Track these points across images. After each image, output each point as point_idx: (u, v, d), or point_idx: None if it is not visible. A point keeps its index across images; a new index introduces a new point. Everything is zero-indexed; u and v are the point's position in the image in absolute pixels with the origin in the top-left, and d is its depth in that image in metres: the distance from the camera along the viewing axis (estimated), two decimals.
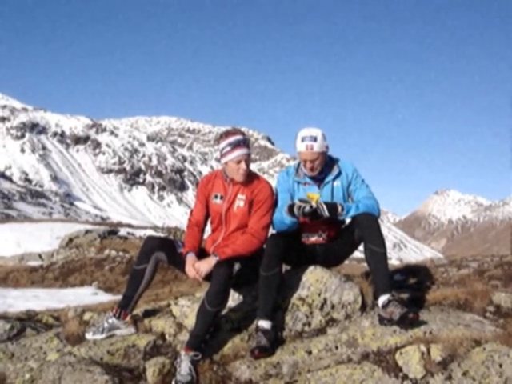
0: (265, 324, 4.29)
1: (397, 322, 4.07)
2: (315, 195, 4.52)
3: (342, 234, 4.67)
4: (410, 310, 4.07)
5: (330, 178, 4.72)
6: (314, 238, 4.69)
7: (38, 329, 5.25)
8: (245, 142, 4.56)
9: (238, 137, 4.55)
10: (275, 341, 4.25)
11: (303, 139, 4.60)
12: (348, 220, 4.74)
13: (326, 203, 4.43)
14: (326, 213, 4.38)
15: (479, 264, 7.14)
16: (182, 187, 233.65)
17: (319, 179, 4.73)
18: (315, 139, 4.57)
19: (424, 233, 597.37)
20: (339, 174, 4.73)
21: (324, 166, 4.71)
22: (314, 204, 4.41)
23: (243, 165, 4.51)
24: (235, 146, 4.50)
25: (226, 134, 4.59)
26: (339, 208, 4.43)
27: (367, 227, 4.40)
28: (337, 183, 4.71)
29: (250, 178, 4.66)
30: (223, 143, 4.55)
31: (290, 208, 4.47)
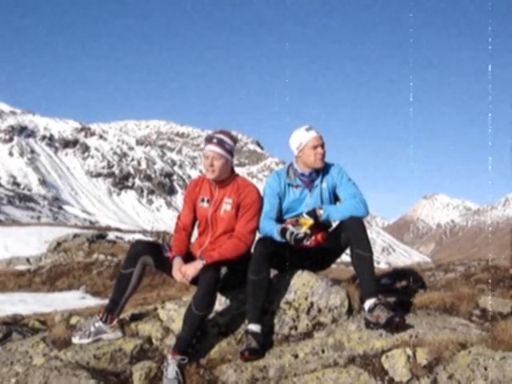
0: (254, 327, 4.29)
1: (383, 326, 4.09)
2: (308, 221, 4.53)
3: (329, 238, 4.67)
4: (397, 314, 4.08)
5: (318, 180, 4.75)
6: (300, 244, 4.69)
7: (24, 333, 5.22)
8: (219, 141, 4.57)
9: (217, 135, 4.59)
10: (264, 344, 4.25)
11: (308, 129, 4.70)
12: (335, 224, 4.76)
13: (307, 212, 4.54)
14: (310, 221, 4.46)
15: (466, 268, 7.17)
16: (171, 191, 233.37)
17: (310, 181, 4.75)
18: (316, 130, 4.70)
19: (412, 237, 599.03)
20: (325, 175, 4.76)
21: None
22: (303, 230, 4.44)
23: (210, 161, 4.53)
24: (208, 141, 4.57)
25: (213, 133, 4.64)
26: (318, 211, 4.50)
27: (353, 231, 4.41)
28: (324, 184, 4.74)
29: (237, 181, 4.67)
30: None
31: (283, 231, 4.48)
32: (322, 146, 4.67)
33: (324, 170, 4.77)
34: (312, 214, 4.50)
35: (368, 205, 4.61)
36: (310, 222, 4.48)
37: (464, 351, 3.61)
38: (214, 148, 4.54)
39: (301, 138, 4.70)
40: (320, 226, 4.60)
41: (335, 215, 4.54)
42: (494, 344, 3.68)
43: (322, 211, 4.50)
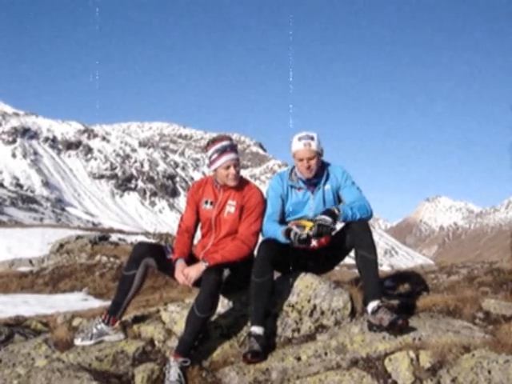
0: (257, 330, 4.28)
1: (386, 329, 4.07)
2: (308, 223, 4.49)
3: (333, 240, 4.65)
4: (400, 317, 4.06)
5: (321, 182, 4.74)
6: (304, 245, 4.67)
7: (26, 335, 5.22)
8: (232, 147, 4.57)
9: (225, 142, 4.57)
10: (267, 347, 4.24)
11: (300, 138, 4.64)
12: (339, 226, 4.73)
13: (324, 212, 4.41)
14: (329, 219, 4.32)
15: (469, 270, 7.14)
16: (174, 193, 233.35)
17: (312, 184, 4.74)
18: (312, 138, 4.62)
19: (415, 239, 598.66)
20: (329, 177, 4.75)
21: (318, 170, 4.72)
22: (305, 232, 4.41)
23: (232, 169, 4.52)
24: (222, 152, 4.51)
25: (213, 141, 4.61)
26: (336, 211, 4.40)
27: (359, 234, 4.40)
28: (327, 187, 4.73)
29: (241, 183, 4.66)
30: (210, 150, 4.57)
31: (287, 232, 4.47)
32: (310, 159, 4.61)
33: (327, 172, 4.76)
34: (332, 214, 4.39)
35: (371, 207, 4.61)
36: (310, 224, 4.45)
37: (467, 354, 3.59)
38: (233, 156, 4.56)
39: (292, 146, 4.69)
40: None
41: (349, 216, 4.44)
42: (497, 347, 3.67)
43: (339, 213, 4.41)
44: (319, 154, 4.67)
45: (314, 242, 4.50)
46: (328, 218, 4.33)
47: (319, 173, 4.74)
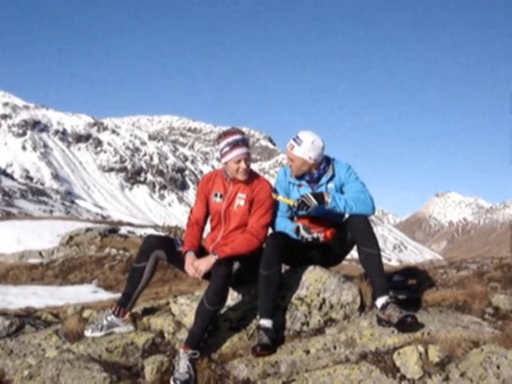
0: (266, 323, 4.29)
1: (395, 326, 4.05)
2: (290, 201, 4.57)
3: (338, 234, 4.64)
4: (409, 315, 4.01)
5: (324, 180, 4.70)
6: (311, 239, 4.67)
7: (37, 325, 5.25)
8: (244, 142, 4.56)
9: (237, 136, 4.55)
10: (276, 340, 4.25)
11: (294, 138, 4.64)
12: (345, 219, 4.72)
13: (312, 193, 4.41)
14: (314, 201, 4.34)
15: (479, 266, 7.13)
16: (183, 186, 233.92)
17: (313, 181, 4.73)
18: (300, 143, 4.58)
19: (424, 235, 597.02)
20: (333, 175, 4.71)
21: (316, 170, 4.70)
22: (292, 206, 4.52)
23: (243, 164, 4.51)
24: (234, 145, 4.50)
25: (225, 134, 4.59)
26: (326, 196, 4.39)
27: (358, 229, 4.37)
28: (330, 185, 4.68)
29: (251, 177, 4.66)
30: (222, 143, 4.56)
31: (297, 230, 4.54)
32: (290, 160, 4.67)
33: (332, 170, 4.72)
34: (319, 197, 4.40)
35: (375, 203, 4.55)
36: (291, 202, 4.53)
37: (476, 349, 3.59)
38: (244, 150, 4.54)
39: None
40: (330, 222, 4.62)
41: (341, 205, 4.42)
42: (506, 342, 3.66)
43: (329, 199, 4.41)
44: (304, 160, 4.62)
45: (318, 235, 4.50)
46: (313, 200, 4.35)
47: (321, 170, 4.72)
